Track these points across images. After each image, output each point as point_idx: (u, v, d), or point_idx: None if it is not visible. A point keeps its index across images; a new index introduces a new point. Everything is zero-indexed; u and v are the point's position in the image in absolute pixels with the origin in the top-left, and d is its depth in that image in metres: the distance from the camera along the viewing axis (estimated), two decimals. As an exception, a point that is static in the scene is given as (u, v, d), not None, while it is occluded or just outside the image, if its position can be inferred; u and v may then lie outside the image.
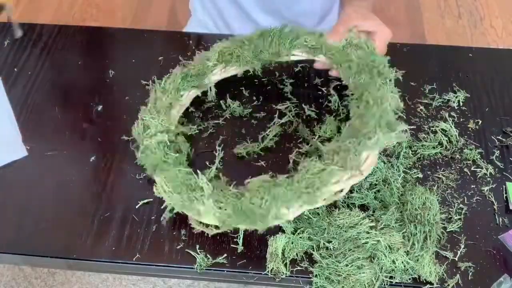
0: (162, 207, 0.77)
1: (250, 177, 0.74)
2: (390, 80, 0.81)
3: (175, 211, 0.76)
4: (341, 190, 0.72)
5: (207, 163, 0.82)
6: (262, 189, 0.71)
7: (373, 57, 0.83)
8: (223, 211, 0.70)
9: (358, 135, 0.73)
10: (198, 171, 0.74)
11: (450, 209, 0.79)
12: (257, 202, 0.70)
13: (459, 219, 0.78)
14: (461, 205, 0.79)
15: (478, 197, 0.80)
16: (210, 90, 0.89)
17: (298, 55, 0.89)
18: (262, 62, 0.89)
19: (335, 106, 0.89)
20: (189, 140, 0.85)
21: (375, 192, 0.79)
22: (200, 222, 0.74)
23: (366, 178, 0.76)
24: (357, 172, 0.71)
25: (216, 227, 0.73)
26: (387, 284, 0.71)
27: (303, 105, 0.90)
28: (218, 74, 0.89)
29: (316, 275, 0.71)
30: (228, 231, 0.74)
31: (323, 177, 0.70)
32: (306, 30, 0.88)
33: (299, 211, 0.71)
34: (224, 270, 0.73)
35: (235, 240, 0.75)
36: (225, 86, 0.92)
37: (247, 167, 0.83)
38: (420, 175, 0.82)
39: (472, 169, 0.83)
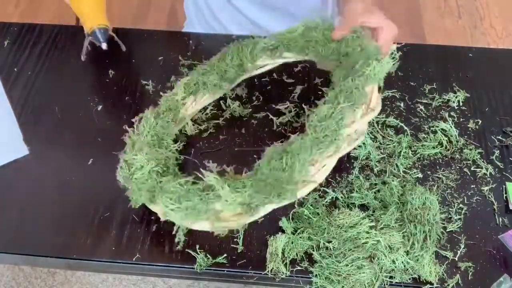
0: (173, 233, 0.74)
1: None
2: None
3: (186, 230, 0.74)
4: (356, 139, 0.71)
5: (207, 163, 0.82)
6: (277, 152, 0.67)
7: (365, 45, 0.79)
8: (244, 193, 0.66)
9: (353, 72, 0.72)
10: (201, 169, 0.70)
11: (450, 209, 0.79)
12: (277, 165, 0.66)
13: (459, 219, 0.78)
14: (461, 205, 0.79)
15: (478, 197, 0.80)
16: (187, 124, 0.86)
17: (264, 61, 0.88)
18: (230, 82, 0.87)
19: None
20: (189, 138, 0.85)
21: (375, 192, 0.79)
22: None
23: (356, 156, 0.76)
24: (368, 110, 0.69)
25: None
26: (387, 284, 0.71)
27: (303, 105, 0.90)
28: (191, 107, 0.86)
29: (316, 275, 0.71)
30: (254, 221, 0.71)
31: (336, 118, 0.68)
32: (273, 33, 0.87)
33: (325, 167, 0.69)
34: (224, 270, 0.73)
35: (235, 240, 0.75)
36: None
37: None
38: (420, 175, 0.82)
39: (472, 169, 0.83)
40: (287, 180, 0.66)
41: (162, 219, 0.72)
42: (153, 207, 0.74)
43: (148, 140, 0.78)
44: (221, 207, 0.68)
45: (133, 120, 0.88)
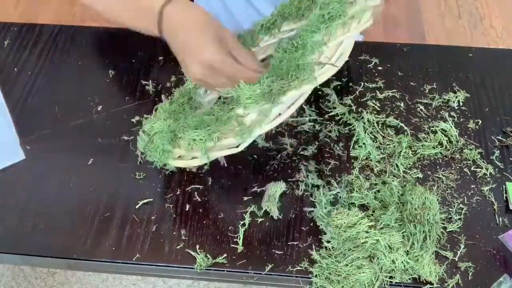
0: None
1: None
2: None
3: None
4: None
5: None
6: (288, 38, 0.69)
7: None
8: (262, 83, 0.68)
9: None
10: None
11: (450, 209, 0.79)
12: (289, 47, 0.68)
13: (459, 219, 0.78)
14: (461, 205, 0.79)
15: (478, 197, 0.80)
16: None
17: (266, 41, 0.86)
18: None
19: (334, 105, 0.89)
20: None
21: (375, 192, 0.79)
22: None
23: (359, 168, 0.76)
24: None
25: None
26: (387, 284, 0.71)
27: (303, 105, 0.90)
28: (206, 94, 0.86)
29: (316, 275, 0.71)
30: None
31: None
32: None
33: (340, 49, 0.70)
34: (224, 270, 0.73)
35: (235, 240, 0.75)
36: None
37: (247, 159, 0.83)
38: (420, 175, 0.82)
39: (472, 169, 0.83)
40: (301, 58, 0.67)
41: (183, 164, 0.74)
42: (176, 152, 0.73)
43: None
44: (243, 110, 0.69)
45: (133, 120, 0.88)
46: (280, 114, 0.72)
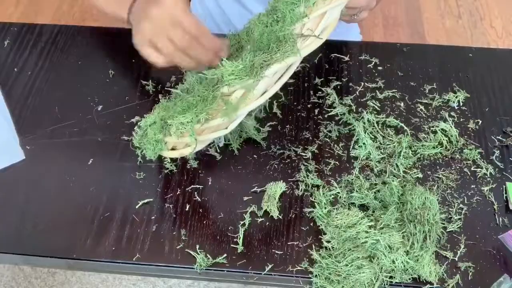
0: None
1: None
2: None
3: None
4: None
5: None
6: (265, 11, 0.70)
7: None
8: (245, 58, 0.68)
9: None
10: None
11: (450, 209, 0.79)
12: (269, 19, 0.69)
13: (459, 219, 0.78)
14: (461, 205, 0.79)
15: (478, 197, 0.80)
16: None
17: None
18: None
19: (334, 104, 0.89)
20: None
21: (375, 192, 0.79)
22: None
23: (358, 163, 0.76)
24: None
25: None
26: (387, 284, 0.71)
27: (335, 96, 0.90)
28: None
29: (316, 275, 0.71)
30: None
31: None
32: None
33: (324, 21, 0.70)
34: (224, 270, 0.73)
35: (235, 240, 0.75)
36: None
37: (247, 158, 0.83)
38: (420, 175, 0.82)
39: (472, 169, 0.83)
40: (281, 30, 0.66)
41: (176, 154, 0.74)
42: (169, 141, 0.74)
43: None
44: (228, 87, 0.68)
45: (133, 120, 0.88)
46: (266, 91, 0.72)
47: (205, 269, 0.73)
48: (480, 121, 0.89)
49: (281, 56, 0.69)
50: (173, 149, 0.76)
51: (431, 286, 0.71)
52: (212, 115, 0.71)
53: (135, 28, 0.73)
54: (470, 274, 0.72)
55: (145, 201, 0.79)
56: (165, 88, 0.92)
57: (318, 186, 0.80)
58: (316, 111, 0.90)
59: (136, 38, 0.73)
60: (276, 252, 0.74)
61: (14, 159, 0.84)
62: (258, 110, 0.89)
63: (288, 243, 0.75)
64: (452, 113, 0.90)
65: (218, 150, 0.84)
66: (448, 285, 0.71)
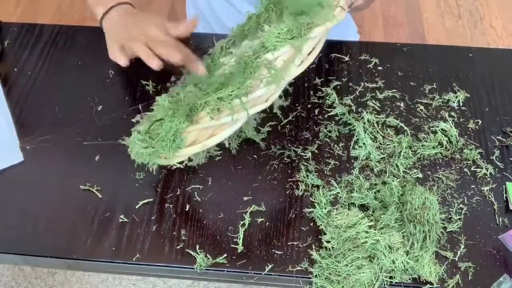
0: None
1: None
2: None
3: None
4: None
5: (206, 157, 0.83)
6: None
7: None
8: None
9: None
10: None
11: (450, 209, 0.79)
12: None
13: (459, 219, 0.78)
14: (461, 205, 0.79)
15: (478, 197, 0.80)
16: None
17: None
18: None
19: (334, 104, 0.89)
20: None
21: (375, 192, 0.79)
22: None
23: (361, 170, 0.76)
24: None
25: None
26: (387, 284, 0.71)
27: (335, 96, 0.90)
28: None
29: (316, 275, 0.71)
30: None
31: None
32: None
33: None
34: (224, 270, 0.73)
35: (235, 240, 0.75)
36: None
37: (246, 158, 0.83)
38: (420, 175, 0.82)
39: (472, 169, 0.83)
40: None
41: (199, 148, 0.73)
42: (191, 134, 0.72)
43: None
44: (272, 54, 0.70)
45: (133, 120, 0.88)
46: (303, 61, 0.73)
47: (205, 269, 0.73)
48: (480, 121, 0.89)
49: (321, 19, 0.71)
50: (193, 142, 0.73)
51: (431, 286, 0.71)
52: (253, 87, 0.69)
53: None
54: (470, 274, 0.72)
55: (145, 201, 0.79)
56: (166, 87, 0.92)
57: (318, 186, 0.80)
58: (316, 111, 0.90)
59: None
60: (276, 252, 0.74)
61: (13, 161, 0.84)
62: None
63: (288, 243, 0.75)
64: (452, 113, 0.90)
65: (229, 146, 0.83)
66: (448, 285, 0.71)
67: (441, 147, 0.85)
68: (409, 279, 0.71)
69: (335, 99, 0.90)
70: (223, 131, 0.73)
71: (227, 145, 0.83)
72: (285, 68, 0.71)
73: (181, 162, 0.77)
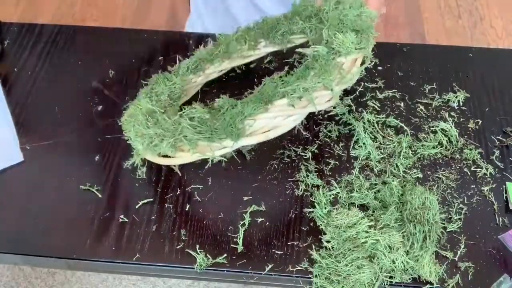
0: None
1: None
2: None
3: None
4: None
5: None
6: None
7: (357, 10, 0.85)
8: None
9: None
10: None
11: (450, 209, 0.79)
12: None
13: (459, 219, 0.78)
14: (461, 205, 0.79)
15: (478, 197, 0.80)
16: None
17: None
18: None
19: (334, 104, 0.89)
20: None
21: (375, 192, 0.79)
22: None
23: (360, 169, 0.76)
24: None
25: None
26: (387, 284, 0.71)
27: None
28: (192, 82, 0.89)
29: (316, 275, 0.71)
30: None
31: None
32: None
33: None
34: (224, 270, 0.73)
35: (235, 240, 0.75)
36: (225, 87, 0.92)
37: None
38: (420, 175, 0.82)
39: (472, 169, 0.83)
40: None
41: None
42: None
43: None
44: (344, 57, 0.79)
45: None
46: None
47: (205, 269, 0.73)
48: (480, 121, 0.89)
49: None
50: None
51: (431, 286, 0.71)
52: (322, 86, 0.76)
53: None
54: (470, 274, 0.72)
55: (145, 201, 0.79)
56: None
57: (318, 186, 0.80)
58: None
59: None
60: (276, 252, 0.74)
61: (13, 161, 0.84)
62: None
63: (288, 243, 0.75)
64: (452, 113, 0.90)
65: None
66: (448, 285, 0.71)
67: (441, 147, 0.85)
68: (409, 279, 0.71)
69: (335, 99, 0.90)
70: (282, 125, 0.77)
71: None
72: (349, 72, 0.79)
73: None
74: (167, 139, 0.72)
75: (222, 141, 0.72)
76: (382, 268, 0.71)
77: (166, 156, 0.76)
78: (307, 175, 0.81)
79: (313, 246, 0.75)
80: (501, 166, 0.83)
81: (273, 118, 0.75)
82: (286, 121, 0.76)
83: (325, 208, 0.77)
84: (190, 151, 0.73)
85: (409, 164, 0.83)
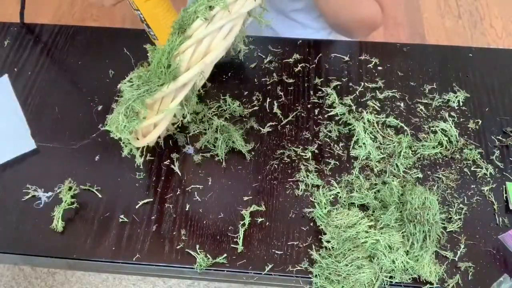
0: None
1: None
2: None
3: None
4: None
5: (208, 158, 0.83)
6: None
7: None
8: None
9: None
10: None
11: (450, 209, 0.79)
12: None
13: (459, 219, 0.78)
14: (461, 205, 0.79)
15: (478, 197, 0.80)
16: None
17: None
18: None
19: (334, 104, 0.89)
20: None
21: (375, 192, 0.79)
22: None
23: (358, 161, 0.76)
24: None
25: None
26: (387, 284, 0.71)
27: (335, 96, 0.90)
28: None
29: (316, 275, 0.71)
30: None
31: None
32: None
33: None
34: (224, 270, 0.73)
35: (235, 240, 0.75)
36: (225, 86, 0.92)
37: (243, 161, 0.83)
38: (420, 175, 0.82)
39: (472, 169, 0.83)
40: None
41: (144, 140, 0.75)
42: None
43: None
44: None
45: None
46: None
47: (205, 269, 0.73)
48: (480, 121, 0.89)
49: None
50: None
51: (431, 286, 0.71)
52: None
53: None
54: (470, 274, 0.72)
55: (145, 201, 0.79)
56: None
57: (318, 186, 0.80)
58: (316, 111, 0.90)
59: None
60: (276, 252, 0.74)
61: (25, 148, 0.84)
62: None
63: (288, 243, 0.75)
64: (452, 113, 0.90)
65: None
66: (448, 285, 0.71)
67: (441, 147, 0.85)
68: (409, 279, 0.71)
69: (335, 99, 0.90)
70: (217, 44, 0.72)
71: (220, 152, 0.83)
72: None
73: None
74: (121, 112, 0.71)
75: (163, 88, 0.70)
76: (382, 268, 0.71)
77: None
78: (307, 175, 0.81)
79: (313, 246, 0.75)
80: (501, 166, 0.83)
81: (199, 43, 0.70)
82: (216, 40, 0.71)
83: (325, 208, 0.77)
84: (143, 113, 0.72)
85: (409, 164, 0.83)
